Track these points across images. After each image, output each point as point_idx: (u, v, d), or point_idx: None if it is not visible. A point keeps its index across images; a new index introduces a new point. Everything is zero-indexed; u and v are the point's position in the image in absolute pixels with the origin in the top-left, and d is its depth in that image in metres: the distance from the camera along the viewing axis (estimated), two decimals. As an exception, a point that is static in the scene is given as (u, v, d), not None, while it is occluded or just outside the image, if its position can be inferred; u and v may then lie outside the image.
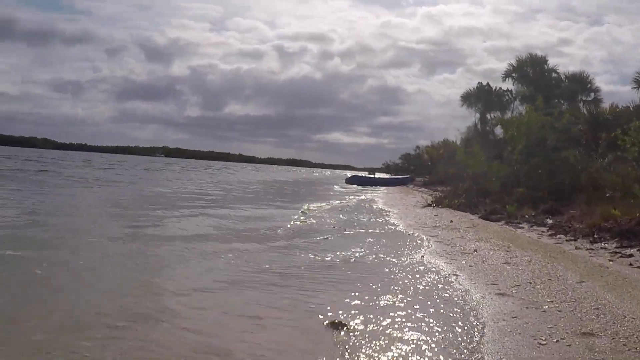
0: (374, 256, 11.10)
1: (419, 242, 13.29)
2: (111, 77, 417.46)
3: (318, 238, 13.74)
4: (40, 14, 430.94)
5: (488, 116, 54.93)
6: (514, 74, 49.95)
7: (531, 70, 49.06)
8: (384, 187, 54.11)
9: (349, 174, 70.47)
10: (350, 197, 34.33)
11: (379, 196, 36.09)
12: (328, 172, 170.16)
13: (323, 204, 25.47)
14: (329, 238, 13.89)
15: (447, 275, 9.19)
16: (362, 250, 11.84)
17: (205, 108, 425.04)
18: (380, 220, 18.63)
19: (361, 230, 15.65)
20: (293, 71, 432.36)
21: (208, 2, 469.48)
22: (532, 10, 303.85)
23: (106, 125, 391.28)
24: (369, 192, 43.22)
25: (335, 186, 53.41)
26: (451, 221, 18.13)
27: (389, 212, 22.58)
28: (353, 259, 10.71)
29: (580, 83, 45.42)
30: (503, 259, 10.90)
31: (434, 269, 9.77)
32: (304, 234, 14.62)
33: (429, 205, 24.97)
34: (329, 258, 10.72)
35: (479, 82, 55.49)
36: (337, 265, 10.07)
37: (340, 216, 19.87)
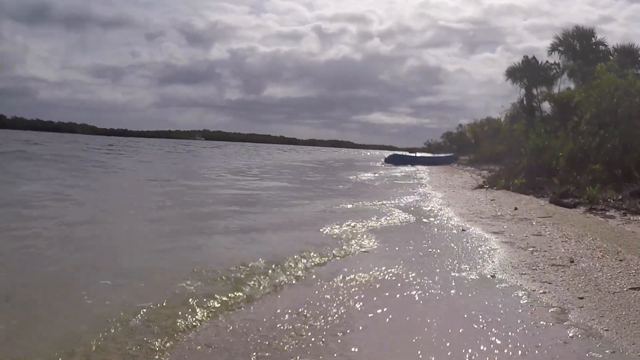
0: (409, 282, 6.66)
1: (481, 244, 9.07)
2: (151, 62, 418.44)
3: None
4: None
5: (534, 91, 51.38)
6: (560, 48, 46.42)
7: (578, 44, 45.42)
8: (427, 167, 49.90)
9: (391, 153, 65.91)
10: (386, 179, 30.28)
11: (421, 176, 31.92)
12: (369, 152, 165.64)
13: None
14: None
15: (550, 325, 5.12)
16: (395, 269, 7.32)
17: (245, 91, 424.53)
18: (425, 209, 14.53)
19: (396, 224, 11.68)
20: (332, 52, 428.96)
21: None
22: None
23: (147, 111, 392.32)
24: (411, 172, 39.09)
25: (369, 168, 49.25)
26: (515, 208, 13.81)
27: (435, 195, 18.54)
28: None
29: (630, 55, 41.07)
30: (624, 278, 6.76)
31: (519, 309, 5.65)
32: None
33: (482, 186, 20.70)
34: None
35: (524, 56, 51.60)
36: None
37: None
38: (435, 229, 10.75)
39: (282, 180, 24.72)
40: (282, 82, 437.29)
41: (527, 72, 50.85)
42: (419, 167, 48.56)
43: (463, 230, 10.57)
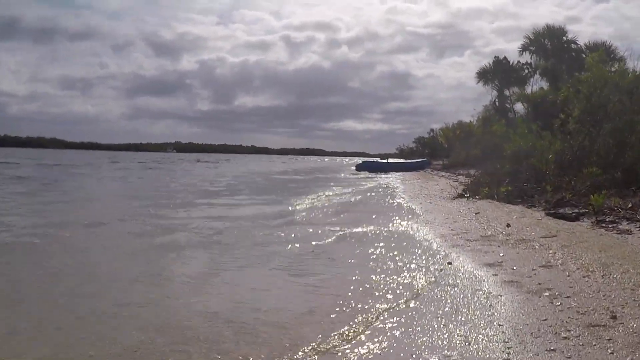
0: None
1: (475, 289, 6.29)
2: (120, 73, 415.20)
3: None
4: (43, 9, 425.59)
5: (506, 92, 50.39)
6: (531, 47, 45.65)
7: (549, 43, 44.71)
8: (399, 173, 47.46)
9: (361, 160, 63.44)
10: (356, 187, 27.62)
11: (394, 184, 29.36)
12: (339, 159, 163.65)
13: (316, 200, 18.84)
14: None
15: None
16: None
17: (216, 101, 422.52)
18: (395, 227, 11.93)
19: (362, 254, 8.86)
20: (301, 61, 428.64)
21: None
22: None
23: (118, 123, 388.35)
24: (382, 179, 36.52)
25: (341, 175, 46.57)
26: (508, 225, 11.13)
27: (408, 208, 16.01)
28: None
29: (604, 53, 39.70)
30: None
31: None
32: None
33: (462, 195, 18.07)
34: None
35: (495, 57, 50.88)
36: None
37: (338, 218, 13.33)
38: (413, 264, 8.10)
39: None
40: (252, 91, 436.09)
41: (498, 73, 49.97)
42: (392, 173, 46.15)
43: (449, 263, 7.83)
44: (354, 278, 7.03)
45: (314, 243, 9.81)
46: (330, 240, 10.20)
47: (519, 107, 47.92)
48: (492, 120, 50.62)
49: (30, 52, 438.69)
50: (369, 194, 21.58)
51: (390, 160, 61.79)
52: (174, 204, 17.28)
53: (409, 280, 6.93)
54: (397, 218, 13.29)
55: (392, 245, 9.50)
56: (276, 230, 11.63)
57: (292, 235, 10.72)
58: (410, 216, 13.69)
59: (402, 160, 71.81)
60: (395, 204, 17.25)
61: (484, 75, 50.67)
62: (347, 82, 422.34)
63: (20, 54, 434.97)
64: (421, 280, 6.86)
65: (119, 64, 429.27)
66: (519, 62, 48.08)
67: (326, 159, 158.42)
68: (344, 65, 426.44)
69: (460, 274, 7.13)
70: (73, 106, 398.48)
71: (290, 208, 16.43)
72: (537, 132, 20.80)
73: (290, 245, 9.56)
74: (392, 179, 35.16)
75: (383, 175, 42.92)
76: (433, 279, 6.92)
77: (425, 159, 59.44)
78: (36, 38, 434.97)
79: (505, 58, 50.31)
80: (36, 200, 17.57)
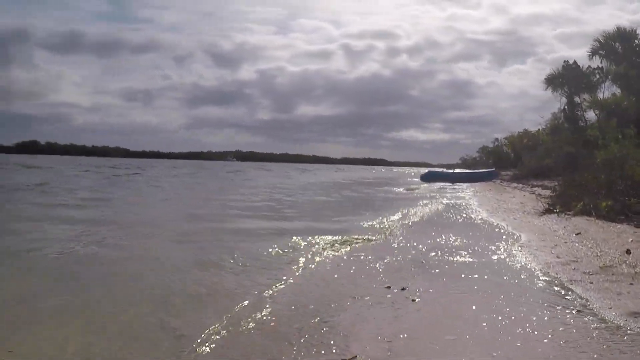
0: None
1: None
2: (181, 84, 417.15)
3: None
4: (106, 25, 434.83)
5: (576, 99, 46.57)
6: (601, 51, 41.88)
7: (620, 46, 41.22)
8: (467, 184, 45.01)
9: (425, 171, 61.04)
10: (426, 201, 25.53)
11: (465, 196, 27.16)
12: (402, 169, 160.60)
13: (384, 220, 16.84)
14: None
15: None
16: None
17: (276, 110, 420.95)
18: (487, 252, 9.88)
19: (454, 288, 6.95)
20: (362, 69, 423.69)
21: (270, 5, 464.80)
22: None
23: (179, 132, 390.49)
24: (451, 190, 34.25)
25: (398, 188, 44.36)
26: (628, 251, 8.90)
27: (492, 225, 13.92)
28: None
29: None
30: None
31: None
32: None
33: (550, 210, 15.88)
34: None
35: (564, 61, 47.42)
36: None
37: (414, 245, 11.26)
38: (537, 307, 6.10)
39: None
40: (313, 100, 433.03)
41: (568, 78, 46.54)
42: (459, 184, 43.78)
43: (579, 311, 5.82)
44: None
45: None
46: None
47: (591, 114, 45.21)
48: (561, 128, 48.70)
49: (94, 65, 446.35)
50: (444, 208, 19.49)
51: (457, 171, 59.05)
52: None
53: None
54: (484, 239, 11.25)
55: (497, 287, 7.52)
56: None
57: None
58: (499, 237, 11.61)
59: (469, 171, 69.03)
60: (478, 220, 15.12)
61: (552, 81, 47.67)
62: (408, 90, 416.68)
63: (84, 67, 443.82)
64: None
65: (179, 75, 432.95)
66: (589, 66, 45.12)
67: (394, 169, 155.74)
68: (404, 73, 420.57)
69: (604, 326, 5.10)
70: (135, 117, 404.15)
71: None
72: (632, 138, 18.38)
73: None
74: (462, 191, 32.89)
75: (450, 186, 40.64)
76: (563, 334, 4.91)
77: (493, 169, 56.50)
78: (99, 52, 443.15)
79: (575, 62, 47.62)
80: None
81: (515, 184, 37.97)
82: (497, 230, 12.73)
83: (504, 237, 11.50)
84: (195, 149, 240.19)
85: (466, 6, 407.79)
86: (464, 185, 42.02)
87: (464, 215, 16.52)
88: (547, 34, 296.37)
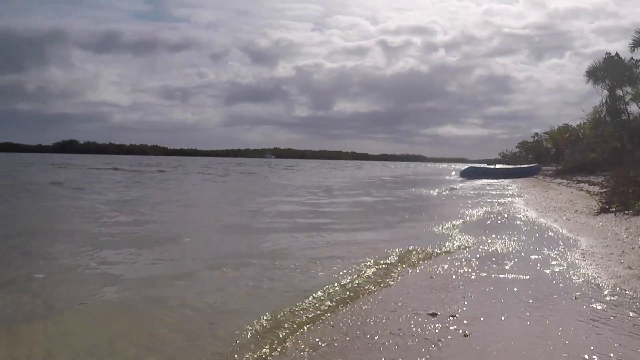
0: None
1: None
2: (217, 82, 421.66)
3: None
4: (142, 24, 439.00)
5: (618, 92, 44.83)
6: None
7: None
8: (509, 180, 43.22)
9: (464, 167, 59.15)
10: (470, 200, 23.99)
11: (509, 193, 25.55)
12: (441, 165, 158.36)
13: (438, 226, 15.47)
14: None
15: None
16: None
17: (313, 107, 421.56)
18: (548, 266, 8.43)
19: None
20: (399, 65, 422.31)
21: (306, 1, 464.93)
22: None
23: (217, 130, 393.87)
24: (491, 187, 32.58)
25: (438, 188, 42.67)
26: None
27: (546, 227, 12.44)
28: None
29: None
30: None
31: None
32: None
33: (605, 209, 14.29)
34: None
35: (606, 53, 45.48)
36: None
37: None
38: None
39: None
40: (350, 97, 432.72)
41: (609, 71, 44.50)
42: (500, 180, 42.04)
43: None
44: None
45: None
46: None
47: (634, 107, 43.49)
48: (603, 122, 46.63)
49: (131, 64, 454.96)
50: (490, 209, 17.97)
51: (498, 166, 57.01)
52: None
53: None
54: (537, 245, 9.78)
55: (565, 311, 6.10)
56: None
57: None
58: (554, 242, 10.07)
59: (510, 166, 66.88)
60: (527, 221, 13.56)
61: (593, 73, 45.62)
62: (445, 86, 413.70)
63: (121, 66, 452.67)
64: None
65: (216, 72, 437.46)
66: (632, 58, 42.95)
67: (432, 165, 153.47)
68: (442, 69, 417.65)
69: None
70: (173, 115, 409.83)
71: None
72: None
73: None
74: (504, 188, 31.20)
75: (492, 182, 38.91)
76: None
77: (535, 165, 54.40)
78: (136, 50, 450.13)
79: (617, 55, 45.53)
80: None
81: (559, 180, 36.08)
82: (550, 233, 11.16)
83: (560, 242, 9.93)
84: (232, 147, 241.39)
85: (503, 1, 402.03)
86: (506, 181, 40.25)
87: (512, 215, 14.94)
88: (584, 27, 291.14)
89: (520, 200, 20.00)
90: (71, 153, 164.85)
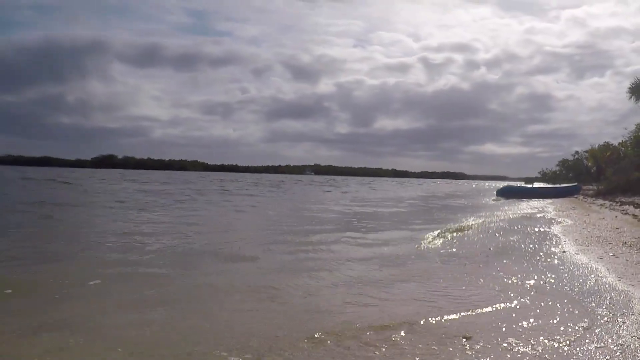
0: None
1: None
2: (259, 97, 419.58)
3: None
4: (185, 38, 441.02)
5: None
6: None
7: None
8: (547, 200, 39.86)
9: (503, 184, 55.76)
10: (501, 222, 20.92)
11: (546, 217, 22.40)
12: (481, 183, 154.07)
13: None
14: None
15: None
16: None
17: (354, 124, 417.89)
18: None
19: None
20: (440, 83, 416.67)
21: (349, 17, 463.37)
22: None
23: (258, 146, 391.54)
24: (529, 208, 29.35)
25: (481, 200, 39.39)
26: None
27: (589, 268, 9.46)
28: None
29: None
30: None
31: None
32: None
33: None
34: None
35: None
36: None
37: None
38: None
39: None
40: (391, 114, 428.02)
41: None
42: (538, 200, 38.70)
43: None
44: None
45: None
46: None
47: None
48: None
49: (172, 79, 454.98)
50: (519, 237, 14.94)
51: (536, 185, 53.42)
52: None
53: None
54: (579, 307, 6.85)
55: None
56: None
57: None
58: (602, 298, 7.08)
59: (549, 185, 63.19)
60: (564, 260, 10.53)
61: (637, 90, 42.64)
62: (486, 104, 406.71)
63: (162, 80, 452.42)
64: None
65: (258, 88, 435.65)
66: None
67: (472, 183, 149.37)
68: (483, 86, 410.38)
69: None
70: (214, 130, 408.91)
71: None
72: None
73: None
74: (542, 209, 27.96)
75: (527, 203, 35.60)
76: None
77: (576, 184, 50.74)
78: (178, 65, 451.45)
79: None
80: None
81: (600, 201, 32.69)
82: (593, 280, 8.16)
83: (610, 298, 6.97)
84: (273, 163, 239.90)
85: (545, 19, 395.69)
86: (546, 201, 36.86)
87: (547, 251, 11.86)
88: (625, 47, 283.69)
89: (558, 227, 16.81)
90: (109, 168, 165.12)
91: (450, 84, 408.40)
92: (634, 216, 19.15)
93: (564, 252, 11.24)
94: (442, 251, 11.52)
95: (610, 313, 6.19)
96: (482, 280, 8.22)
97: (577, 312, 6.30)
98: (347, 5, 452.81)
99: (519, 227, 17.16)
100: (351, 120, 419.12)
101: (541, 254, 11.08)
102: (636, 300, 6.72)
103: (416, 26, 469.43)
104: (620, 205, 26.56)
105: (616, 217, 19.68)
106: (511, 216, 22.64)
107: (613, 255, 10.51)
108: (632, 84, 42.85)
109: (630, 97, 42.78)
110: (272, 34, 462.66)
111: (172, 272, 8.77)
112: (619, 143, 54.48)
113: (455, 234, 14.63)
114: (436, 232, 15.16)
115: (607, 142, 62.90)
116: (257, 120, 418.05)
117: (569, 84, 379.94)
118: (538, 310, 6.38)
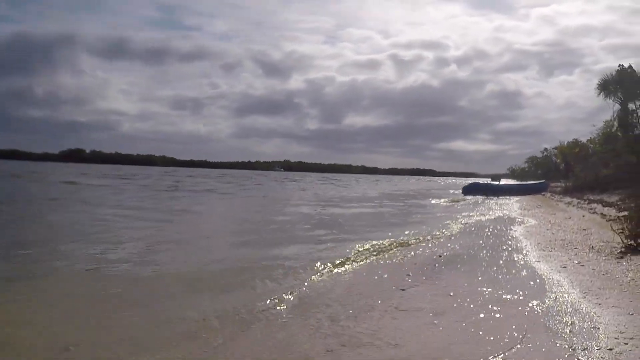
0: None
1: None
2: (230, 93, 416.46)
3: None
4: (154, 32, 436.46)
5: (631, 106, 41.88)
6: None
7: None
8: (515, 197, 38.95)
9: (470, 181, 54.81)
10: (455, 223, 19.68)
11: (510, 215, 21.26)
12: (449, 179, 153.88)
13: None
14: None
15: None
16: None
17: (324, 120, 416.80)
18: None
19: None
20: (410, 79, 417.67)
21: (320, 14, 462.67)
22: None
23: (229, 141, 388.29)
24: (494, 206, 28.26)
25: (438, 200, 38.26)
26: None
27: (548, 280, 8.14)
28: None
29: None
30: None
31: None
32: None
33: (632, 247, 10.02)
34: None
35: (619, 65, 42.74)
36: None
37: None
38: None
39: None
40: (361, 110, 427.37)
41: (622, 84, 41.57)
42: (506, 198, 37.74)
43: None
44: None
45: None
46: None
47: None
48: (615, 136, 43.75)
49: (141, 73, 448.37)
50: (478, 242, 13.65)
51: (503, 182, 52.48)
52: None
53: None
54: (531, 332, 5.54)
55: None
56: None
57: None
58: (563, 323, 5.75)
59: (517, 182, 62.42)
60: (523, 268, 9.19)
61: (605, 86, 42.56)
62: (456, 101, 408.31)
63: (131, 74, 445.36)
64: None
65: (228, 83, 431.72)
66: None
67: (440, 180, 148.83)
68: (453, 84, 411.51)
69: None
70: (184, 125, 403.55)
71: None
72: None
73: None
74: (507, 207, 26.89)
75: (494, 200, 34.59)
76: None
77: (543, 181, 49.99)
78: (147, 59, 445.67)
79: (630, 67, 42.23)
80: None
81: (568, 199, 31.79)
82: (552, 298, 6.84)
83: (571, 324, 5.62)
84: (243, 158, 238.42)
85: (515, 17, 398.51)
86: (511, 199, 35.88)
87: (507, 259, 10.52)
88: (594, 44, 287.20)
89: (520, 229, 15.54)
90: (77, 162, 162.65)
91: (420, 80, 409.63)
92: (602, 215, 18.08)
93: (525, 260, 9.94)
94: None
95: (569, 347, 4.86)
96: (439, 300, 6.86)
97: (529, 346, 4.96)
98: (317, 1, 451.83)
99: (479, 229, 15.86)
100: (321, 116, 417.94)
101: (496, 266, 9.74)
102: (602, 328, 5.40)
103: (386, 23, 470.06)
104: (588, 203, 25.60)
105: (583, 216, 18.61)
106: (473, 216, 21.37)
107: (578, 263, 9.26)
108: (601, 80, 42.71)
109: (599, 94, 42.59)
110: (243, 29, 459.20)
111: None
112: (588, 140, 54.02)
113: (390, 252, 12.26)
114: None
115: (576, 139, 62.48)
116: (228, 116, 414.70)
117: (538, 82, 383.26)
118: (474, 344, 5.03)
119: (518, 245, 11.91)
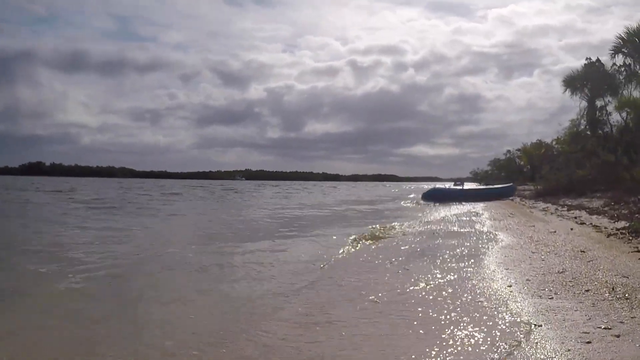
0: None
1: None
2: (189, 104, 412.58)
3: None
4: (108, 43, 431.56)
5: (598, 103, 39.64)
6: (624, 49, 34.63)
7: None
8: (480, 203, 35.36)
9: (431, 186, 51.28)
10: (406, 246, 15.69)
11: (477, 228, 17.41)
12: (411, 185, 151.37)
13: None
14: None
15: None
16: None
17: (285, 129, 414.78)
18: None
19: None
20: (369, 85, 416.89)
21: (277, 22, 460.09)
22: (606, 4, 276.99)
23: (189, 152, 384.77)
24: (458, 216, 24.43)
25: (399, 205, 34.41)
26: None
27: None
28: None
29: None
30: None
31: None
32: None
33: None
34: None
35: (586, 58, 40.48)
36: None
37: None
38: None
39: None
40: (321, 118, 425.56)
41: (590, 79, 39.34)
42: (471, 204, 34.11)
43: None
44: None
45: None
46: None
47: (616, 118, 37.96)
48: (583, 135, 40.66)
49: (100, 85, 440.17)
50: (420, 281, 9.68)
51: (467, 187, 48.89)
52: None
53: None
54: None
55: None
56: None
57: None
58: None
59: (482, 187, 59.19)
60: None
61: (571, 82, 40.49)
62: (416, 106, 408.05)
63: (90, 86, 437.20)
64: None
65: (187, 94, 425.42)
66: (614, 64, 36.84)
67: (402, 186, 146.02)
68: (412, 88, 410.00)
69: None
70: (143, 137, 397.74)
71: None
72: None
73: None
74: (474, 215, 23.13)
75: (457, 207, 30.90)
76: None
77: (511, 184, 46.55)
78: (104, 71, 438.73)
79: (598, 60, 39.64)
80: None
81: (542, 204, 28.39)
82: None
83: None
84: (205, 169, 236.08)
85: (472, 19, 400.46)
86: (477, 205, 32.21)
87: (473, 316, 6.64)
88: (553, 45, 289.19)
89: (495, 252, 11.53)
90: (37, 175, 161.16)
91: (379, 86, 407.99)
92: (595, 228, 14.37)
93: (517, 321, 5.98)
94: None
95: None
96: None
97: None
98: (274, 10, 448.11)
99: (437, 254, 11.79)
100: (282, 125, 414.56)
101: (462, 333, 5.78)
102: None
103: (344, 29, 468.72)
104: (568, 210, 22.14)
105: (572, 229, 14.83)
106: (432, 230, 17.44)
107: (605, 327, 5.35)
108: (566, 76, 40.93)
109: (565, 91, 40.81)
110: (199, 39, 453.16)
111: None
112: (553, 140, 51.37)
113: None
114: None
115: (540, 140, 60.07)
116: (187, 126, 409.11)
117: (498, 84, 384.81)
118: None
119: (497, 290, 7.84)
